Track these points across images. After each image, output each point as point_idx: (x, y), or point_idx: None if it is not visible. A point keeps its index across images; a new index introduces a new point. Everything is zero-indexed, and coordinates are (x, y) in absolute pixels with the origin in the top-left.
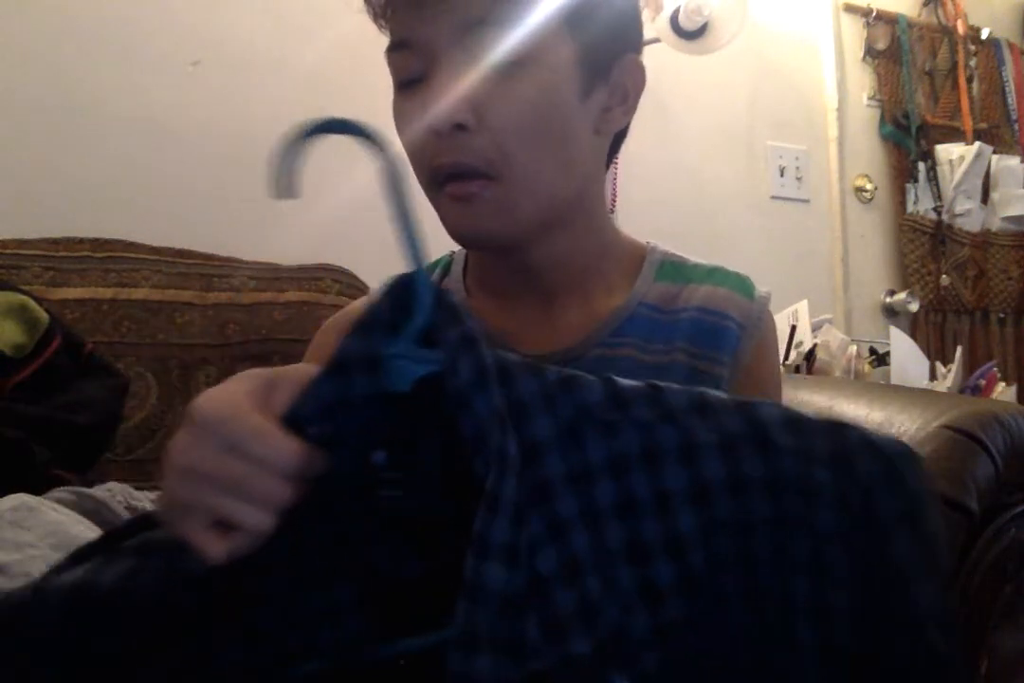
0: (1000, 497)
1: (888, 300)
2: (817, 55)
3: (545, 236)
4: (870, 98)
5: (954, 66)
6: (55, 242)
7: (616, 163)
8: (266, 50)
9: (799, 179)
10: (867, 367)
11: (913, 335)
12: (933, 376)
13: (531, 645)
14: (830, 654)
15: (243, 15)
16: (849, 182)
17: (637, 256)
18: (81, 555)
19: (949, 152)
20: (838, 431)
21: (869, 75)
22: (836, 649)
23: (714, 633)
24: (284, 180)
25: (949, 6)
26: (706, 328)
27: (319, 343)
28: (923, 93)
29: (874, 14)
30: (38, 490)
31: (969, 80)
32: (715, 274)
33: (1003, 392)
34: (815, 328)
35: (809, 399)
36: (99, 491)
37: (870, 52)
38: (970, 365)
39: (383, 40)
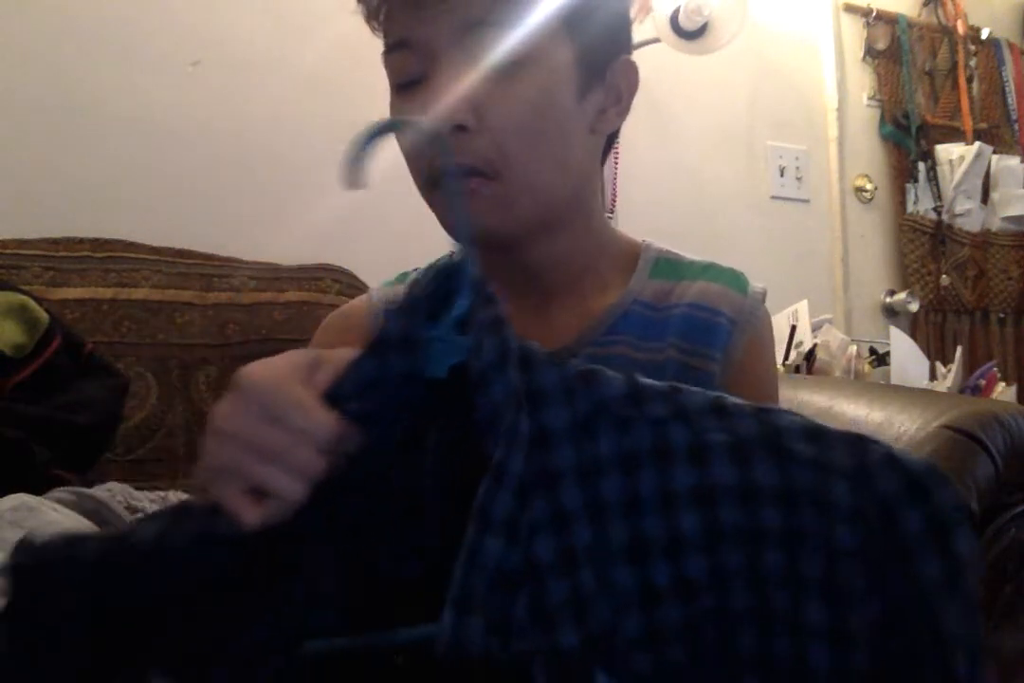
0: (1000, 497)
1: (888, 300)
2: (817, 55)
3: (544, 235)
4: (870, 98)
5: (954, 66)
6: (55, 242)
7: (616, 163)
8: (266, 50)
9: (799, 179)
10: (867, 367)
11: (913, 335)
12: (933, 376)
13: (518, 625)
14: (845, 680)
15: (243, 15)
16: (849, 182)
17: (632, 254)
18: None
19: (949, 152)
20: (860, 444)
21: (869, 75)
22: (852, 674)
23: (719, 650)
24: (355, 172)
25: (949, 6)
26: (698, 324)
27: (318, 342)
28: (923, 93)
29: (874, 14)
30: (38, 490)
31: (969, 80)
32: (709, 270)
33: (1003, 392)
34: (815, 328)
35: (809, 399)
36: (99, 491)
37: (870, 52)
38: (970, 365)
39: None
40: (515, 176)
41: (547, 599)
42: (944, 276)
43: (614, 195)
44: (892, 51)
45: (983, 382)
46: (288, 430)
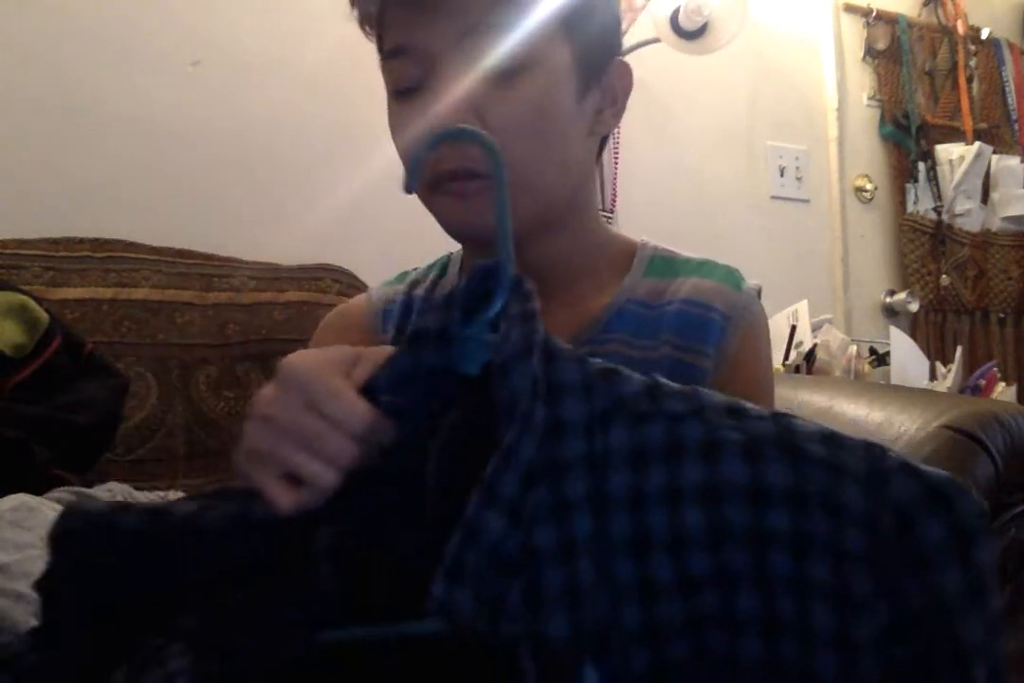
0: (1000, 497)
1: (888, 300)
2: (817, 55)
3: (543, 235)
4: (870, 98)
5: (954, 66)
6: (55, 242)
7: (616, 163)
8: (265, 51)
9: (799, 179)
10: (867, 367)
11: (913, 335)
12: (933, 376)
13: (511, 609)
14: None
15: (243, 16)
16: (849, 182)
17: (629, 253)
18: None
19: (949, 152)
20: (876, 451)
21: (869, 75)
22: (859, 681)
23: (722, 651)
24: (414, 178)
25: (949, 6)
26: (691, 320)
27: (318, 341)
28: (923, 93)
29: (874, 14)
30: (38, 490)
31: (969, 80)
32: (703, 267)
33: (1003, 392)
34: (815, 328)
35: (809, 399)
36: (99, 491)
37: (870, 52)
38: (970, 365)
39: None
40: (516, 177)
41: (543, 587)
42: (944, 276)
43: (614, 195)
44: (892, 51)
45: (983, 382)
46: (323, 417)
